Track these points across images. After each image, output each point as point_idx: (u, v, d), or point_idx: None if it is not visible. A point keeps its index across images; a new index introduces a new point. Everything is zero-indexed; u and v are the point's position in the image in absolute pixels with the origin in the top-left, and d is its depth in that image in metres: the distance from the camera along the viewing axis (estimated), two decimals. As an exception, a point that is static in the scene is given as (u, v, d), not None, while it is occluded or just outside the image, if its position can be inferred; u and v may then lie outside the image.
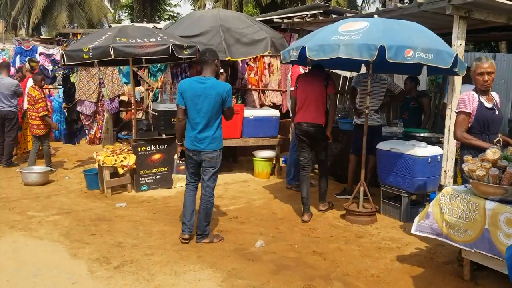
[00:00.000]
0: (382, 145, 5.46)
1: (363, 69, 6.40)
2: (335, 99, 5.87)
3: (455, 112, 4.24)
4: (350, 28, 4.61)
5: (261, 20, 7.53)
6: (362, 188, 5.22)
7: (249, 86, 8.90)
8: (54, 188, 6.90)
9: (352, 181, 6.09)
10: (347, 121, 6.82)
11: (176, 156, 4.90)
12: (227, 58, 6.62)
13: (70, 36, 7.85)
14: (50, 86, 10.13)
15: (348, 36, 4.49)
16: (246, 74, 8.87)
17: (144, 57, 5.92)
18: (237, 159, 8.26)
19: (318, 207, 5.71)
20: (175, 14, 28.35)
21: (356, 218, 5.17)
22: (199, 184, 4.69)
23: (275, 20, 7.53)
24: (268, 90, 8.99)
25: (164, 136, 6.66)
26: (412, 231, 3.98)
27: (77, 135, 8.61)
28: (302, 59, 4.98)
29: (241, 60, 8.77)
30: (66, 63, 5.86)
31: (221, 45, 6.53)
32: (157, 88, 8.09)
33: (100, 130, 9.14)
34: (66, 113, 8.22)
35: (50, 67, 11.13)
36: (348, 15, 6.53)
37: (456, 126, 4.08)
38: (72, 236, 4.82)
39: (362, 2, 24.87)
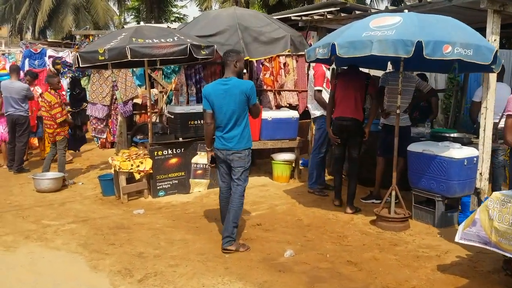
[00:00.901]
0: (414, 147, 5.20)
1: (389, 67, 6.14)
2: (377, 97, 5.73)
3: (504, 115, 3.98)
4: (382, 23, 4.36)
5: (278, 19, 7.27)
6: (393, 193, 4.96)
7: (264, 87, 8.66)
8: (68, 194, 6.68)
9: (380, 185, 5.82)
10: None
11: (206, 162, 4.74)
12: (245, 58, 6.37)
13: (82, 38, 7.61)
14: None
15: (381, 31, 4.23)
16: (261, 75, 8.63)
17: (161, 58, 5.68)
18: (254, 161, 8.00)
19: (345, 210, 5.48)
20: (181, 16, 28.15)
21: (388, 224, 4.91)
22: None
23: (292, 18, 7.28)
24: (284, 90, 8.75)
25: (181, 139, 6.43)
26: (457, 239, 3.70)
27: (80, 142, 8.22)
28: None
29: (256, 60, 8.53)
30: (80, 65, 5.64)
31: (239, 44, 6.29)
32: (171, 90, 7.87)
33: (112, 134, 8.94)
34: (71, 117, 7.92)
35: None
36: (373, 11, 6.27)
37: (507, 130, 3.83)
38: (91, 246, 4.59)
39: (370, 1, 24.57)
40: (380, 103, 5.80)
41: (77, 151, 8.06)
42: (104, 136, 8.14)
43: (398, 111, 4.97)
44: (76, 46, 7.62)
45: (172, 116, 6.50)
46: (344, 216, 5.39)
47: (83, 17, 28.84)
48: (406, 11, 4.87)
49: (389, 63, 6.00)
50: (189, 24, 7.22)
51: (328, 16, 6.79)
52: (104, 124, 7.87)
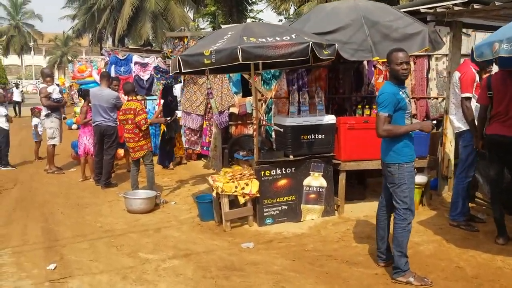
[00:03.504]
0: None
1: None
2: None
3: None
4: None
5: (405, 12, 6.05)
6: None
7: (377, 93, 7.43)
8: (162, 217, 5.90)
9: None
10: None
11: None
12: (374, 59, 5.25)
13: (176, 41, 6.89)
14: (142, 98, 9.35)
15: None
16: (374, 79, 7.43)
17: (277, 60, 4.70)
18: (365, 182, 6.81)
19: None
20: (257, 20, 27.51)
21: None
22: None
23: (422, 10, 6.03)
24: (399, 97, 7.46)
25: (291, 157, 5.40)
26: None
27: (169, 157, 7.34)
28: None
29: (368, 62, 7.35)
30: (183, 71, 4.79)
31: (367, 42, 5.16)
32: (270, 98, 6.90)
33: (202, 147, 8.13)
34: (165, 129, 7.12)
35: (145, 77, 10.45)
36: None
37: None
38: (202, 295, 3.67)
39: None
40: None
41: (167, 167, 7.29)
42: (198, 148, 7.35)
43: None
44: (170, 50, 6.93)
45: (281, 130, 5.49)
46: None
47: (160, 24, 29.21)
48: None
49: None
50: (299, 20, 6.21)
51: (475, 7, 5.46)
52: (198, 135, 7.07)
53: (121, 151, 8.86)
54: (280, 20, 25.87)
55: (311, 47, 4.62)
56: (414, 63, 7.57)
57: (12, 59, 60.26)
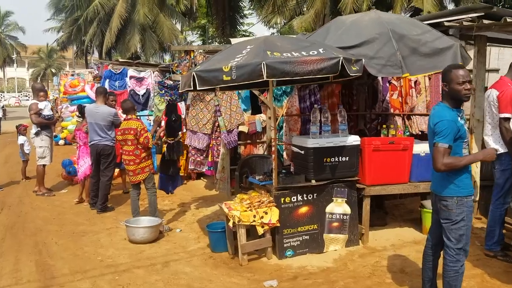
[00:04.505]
0: None
1: None
2: None
3: None
4: None
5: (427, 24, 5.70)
6: None
7: (391, 110, 7.07)
8: (168, 247, 5.36)
9: None
10: None
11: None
12: (404, 76, 4.85)
13: (183, 55, 6.41)
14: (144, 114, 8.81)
15: None
16: (388, 95, 7.05)
17: (304, 77, 4.25)
18: (384, 206, 6.39)
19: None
20: (247, 34, 27.26)
21: None
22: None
23: (446, 24, 5.69)
24: (415, 114, 7.11)
25: (314, 182, 4.94)
26: None
27: (173, 181, 6.67)
28: None
29: (382, 78, 6.98)
30: (198, 88, 4.31)
31: (395, 57, 4.77)
32: (282, 115, 6.46)
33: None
34: (166, 150, 6.47)
35: (141, 92, 9.93)
36: None
37: None
38: None
39: None
40: None
41: (169, 193, 6.70)
42: (204, 169, 6.84)
43: None
44: (175, 64, 6.44)
45: (302, 152, 5.04)
46: None
47: (149, 36, 28.72)
48: None
49: None
50: (316, 33, 5.80)
51: (508, 20, 5.13)
52: (204, 155, 6.56)
53: (116, 170, 8.29)
54: (273, 33, 25.65)
55: (341, 63, 4.20)
56: (429, 78, 7.22)
57: (-6, 72, 58.98)
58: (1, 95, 53.59)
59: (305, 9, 20.71)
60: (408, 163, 5.34)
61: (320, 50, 4.34)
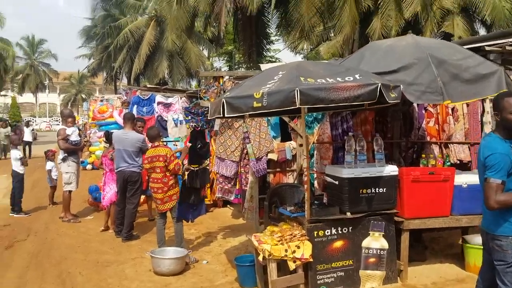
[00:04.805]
0: None
1: None
2: None
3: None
4: None
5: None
6: None
7: (428, 138, 6.75)
8: (194, 281, 5.12)
9: None
10: None
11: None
12: (445, 103, 4.58)
13: (211, 81, 6.33)
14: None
15: None
16: (424, 123, 6.75)
17: (340, 104, 4.05)
18: (422, 239, 6.00)
19: None
20: (274, 60, 27.32)
21: None
22: None
23: (486, 48, 5.42)
24: (453, 142, 6.76)
25: (349, 214, 4.67)
26: None
27: (193, 210, 6.32)
28: None
29: (418, 105, 6.70)
30: (226, 115, 4.15)
31: (436, 83, 4.52)
32: (313, 143, 6.23)
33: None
34: (187, 177, 6.18)
35: (168, 118, 9.89)
36: None
37: None
38: None
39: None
40: None
41: (190, 221, 6.45)
42: (232, 198, 6.64)
43: None
44: (203, 90, 6.36)
45: (336, 182, 4.78)
46: None
47: (176, 63, 29.14)
48: None
49: None
50: (350, 58, 5.61)
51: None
52: (232, 183, 6.37)
53: (141, 196, 8.17)
54: (302, 58, 25.66)
55: (379, 90, 3.98)
56: (467, 105, 6.90)
57: (26, 97, 60.98)
58: (33, 119, 55.23)
59: (332, 34, 20.73)
60: (449, 195, 5.01)
61: (357, 76, 4.15)
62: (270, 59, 27.64)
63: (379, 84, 3.99)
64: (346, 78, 4.11)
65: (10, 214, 8.60)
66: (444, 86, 4.55)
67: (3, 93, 50.57)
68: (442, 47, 5.03)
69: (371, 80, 4.06)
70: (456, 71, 4.67)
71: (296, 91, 3.85)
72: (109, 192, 7.29)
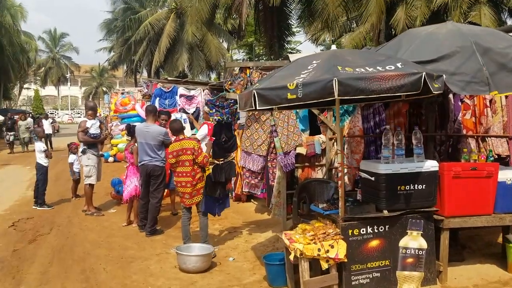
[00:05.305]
0: None
1: None
2: None
3: None
4: None
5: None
6: None
7: (464, 131, 6.40)
8: (221, 279, 4.94)
9: None
10: None
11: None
12: (492, 94, 4.26)
13: (237, 73, 6.11)
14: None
15: None
16: (460, 115, 6.40)
17: (382, 95, 3.78)
18: (459, 238, 5.69)
19: None
20: (294, 51, 26.95)
21: None
22: None
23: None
24: (491, 136, 6.40)
25: (386, 212, 4.40)
26: None
27: (219, 204, 6.12)
28: None
29: (454, 96, 6.35)
30: (258, 108, 3.92)
31: (481, 73, 4.20)
32: (343, 136, 5.95)
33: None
34: (212, 171, 5.98)
35: (191, 110, 9.71)
36: None
37: None
38: None
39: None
40: None
41: (216, 215, 6.26)
42: (258, 193, 6.43)
43: None
44: (229, 82, 6.15)
45: (372, 178, 4.51)
46: None
47: (196, 55, 29.03)
48: None
49: None
50: (386, 46, 5.31)
51: None
52: (260, 178, 6.14)
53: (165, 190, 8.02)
54: (322, 50, 25.23)
55: (424, 79, 3.69)
56: (506, 97, 6.51)
57: (49, 90, 61.95)
58: (55, 112, 56.05)
59: (353, 25, 20.27)
60: (492, 192, 4.69)
61: (398, 64, 3.86)
62: (292, 51, 27.27)
63: (424, 73, 3.70)
64: (387, 67, 3.82)
65: (33, 207, 8.56)
66: (491, 76, 4.23)
67: (26, 86, 51.46)
68: (486, 34, 4.68)
69: (415, 69, 3.77)
70: (503, 60, 4.33)
71: (334, 80, 3.59)
72: (129, 186, 7.15)
